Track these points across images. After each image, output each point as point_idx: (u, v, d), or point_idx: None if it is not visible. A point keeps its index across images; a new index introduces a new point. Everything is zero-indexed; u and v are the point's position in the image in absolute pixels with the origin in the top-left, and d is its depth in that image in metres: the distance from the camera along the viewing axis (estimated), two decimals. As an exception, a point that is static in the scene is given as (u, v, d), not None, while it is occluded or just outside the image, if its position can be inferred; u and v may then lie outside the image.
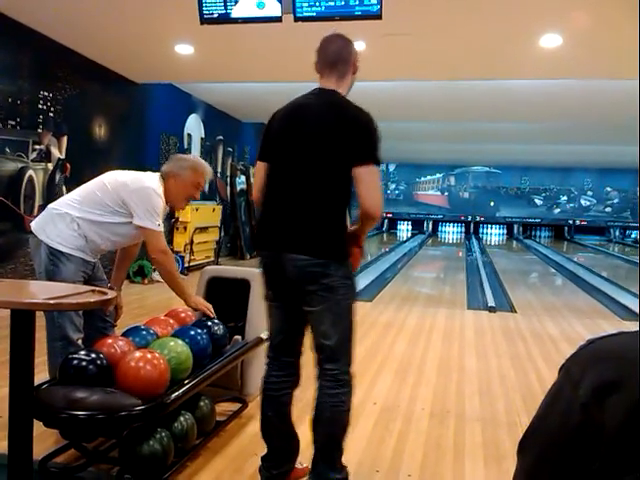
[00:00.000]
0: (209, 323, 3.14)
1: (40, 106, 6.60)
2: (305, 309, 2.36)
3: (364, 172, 2.24)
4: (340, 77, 2.39)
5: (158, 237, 3.06)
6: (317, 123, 2.31)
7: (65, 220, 3.01)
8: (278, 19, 4.77)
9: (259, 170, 2.48)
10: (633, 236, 22.82)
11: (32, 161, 6.51)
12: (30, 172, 6.48)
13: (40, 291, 2.39)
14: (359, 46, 6.19)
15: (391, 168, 24.53)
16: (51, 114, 6.77)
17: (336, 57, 2.39)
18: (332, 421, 2.39)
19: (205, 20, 4.93)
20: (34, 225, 3.09)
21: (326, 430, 2.40)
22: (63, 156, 7.02)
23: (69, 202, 3.09)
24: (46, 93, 6.68)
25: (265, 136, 2.48)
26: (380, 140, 2.30)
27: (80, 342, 2.98)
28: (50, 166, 6.83)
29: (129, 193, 3.02)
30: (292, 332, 2.48)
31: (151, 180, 3.12)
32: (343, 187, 2.30)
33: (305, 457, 2.57)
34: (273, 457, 2.50)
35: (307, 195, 2.30)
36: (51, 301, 1.98)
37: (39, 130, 6.61)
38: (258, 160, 2.49)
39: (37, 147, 6.60)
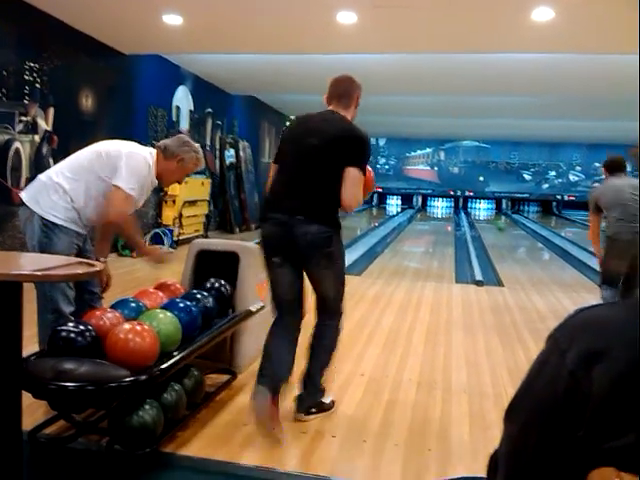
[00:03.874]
0: (198, 295, 3.14)
1: (26, 77, 6.51)
2: (309, 270, 2.92)
3: (352, 172, 2.84)
4: (345, 107, 3.03)
5: (125, 199, 2.99)
6: (325, 132, 2.92)
7: (58, 192, 2.99)
8: (268, -11, 4.71)
9: (272, 170, 3.09)
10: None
11: (19, 133, 6.43)
12: (17, 144, 6.40)
13: (28, 263, 2.38)
14: (351, 18, 6.14)
15: (381, 142, 24.45)
16: (37, 85, 6.68)
17: (343, 92, 3.06)
18: (325, 348, 3.03)
19: (193, -11, 4.86)
20: (25, 196, 3.05)
21: (319, 354, 3.01)
22: (50, 128, 6.94)
23: (61, 172, 3.05)
24: (32, 64, 6.58)
25: (282, 140, 3.16)
26: (369, 155, 3.00)
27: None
28: (37, 138, 6.75)
29: (121, 156, 3.01)
30: (297, 292, 2.98)
31: (144, 150, 3.13)
32: (339, 180, 2.85)
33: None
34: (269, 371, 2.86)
35: (315, 182, 2.88)
36: (38, 272, 1.97)
37: (25, 101, 6.52)
38: (272, 162, 3.13)
39: (23, 119, 6.51)
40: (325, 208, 2.89)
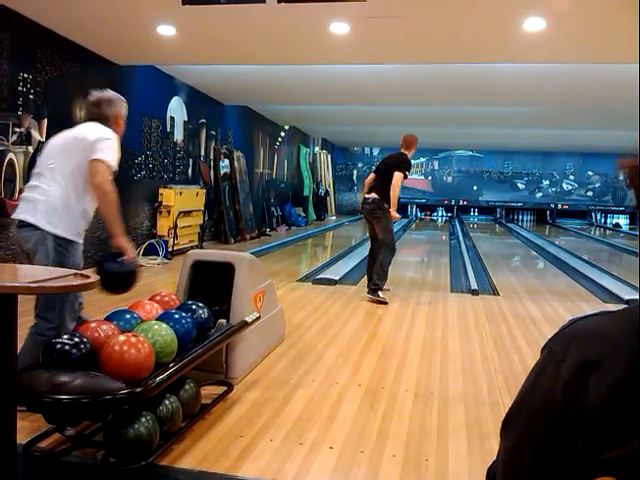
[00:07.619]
0: (194, 307, 3.14)
1: (20, 88, 6.50)
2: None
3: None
4: (406, 149, 6.60)
5: (107, 168, 3.08)
6: (390, 159, 6.59)
7: (67, 207, 3.06)
8: (261, 0, 4.73)
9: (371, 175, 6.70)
10: (615, 221, 23.10)
11: (12, 144, 6.42)
12: (10, 155, 6.39)
13: (21, 275, 2.37)
14: (343, 29, 6.16)
15: (375, 152, 24.51)
16: (31, 96, 6.67)
17: (404, 142, 6.57)
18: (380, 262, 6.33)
19: (187, 1, 4.88)
20: (32, 219, 3.03)
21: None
22: (44, 139, 6.92)
23: (57, 186, 3.07)
24: (26, 75, 6.58)
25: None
26: (406, 164, 6.42)
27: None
28: (31, 149, 6.74)
29: (95, 139, 3.13)
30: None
31: (105, 128, 3.29)
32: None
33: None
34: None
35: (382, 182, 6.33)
36: (33, 284, 1.96)
37: (19, 113, 6.51)
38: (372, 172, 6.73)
39: (17, 130, 6.50)
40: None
